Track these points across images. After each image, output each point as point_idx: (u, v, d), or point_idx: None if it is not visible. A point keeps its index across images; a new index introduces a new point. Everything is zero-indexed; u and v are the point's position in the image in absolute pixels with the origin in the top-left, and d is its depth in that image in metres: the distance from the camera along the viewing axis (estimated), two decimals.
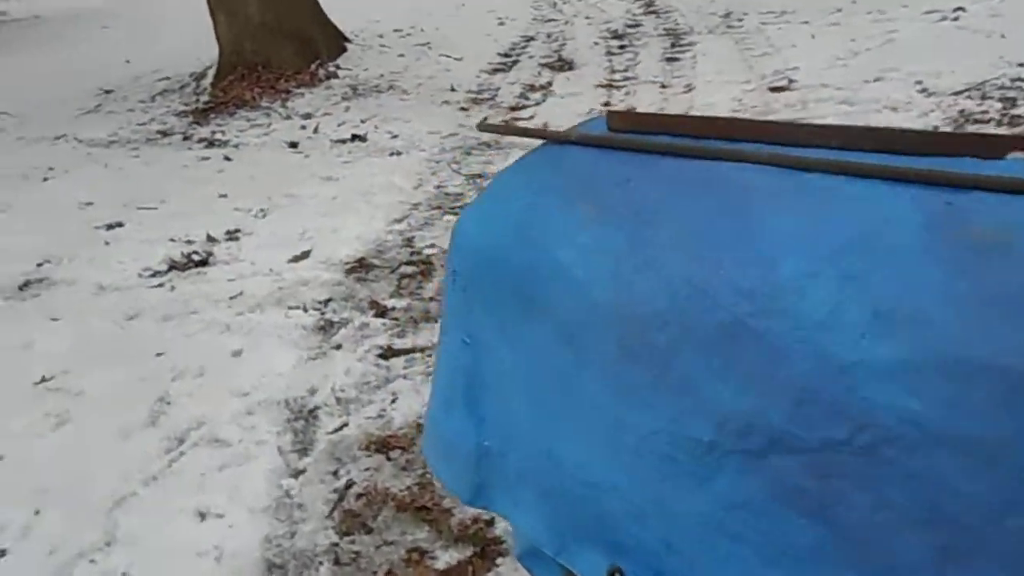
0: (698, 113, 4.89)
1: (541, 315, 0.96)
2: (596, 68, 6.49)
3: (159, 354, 2.93)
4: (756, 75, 5.57)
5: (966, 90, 4.57)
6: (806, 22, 6.68)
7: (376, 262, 3.54)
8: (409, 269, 3.45)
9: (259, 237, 3.88)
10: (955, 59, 5.05)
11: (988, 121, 4.11)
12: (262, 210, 4.19)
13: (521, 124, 5.33)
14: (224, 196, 4.43)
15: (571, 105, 5.60)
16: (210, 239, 3.87)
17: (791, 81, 5.27)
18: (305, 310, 3.16)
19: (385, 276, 3.41)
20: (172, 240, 3.88)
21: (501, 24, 8.60)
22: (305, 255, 3.66)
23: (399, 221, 3.97)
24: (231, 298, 3.30)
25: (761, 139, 1.05)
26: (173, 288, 3.45)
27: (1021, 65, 4.80)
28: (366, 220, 3.97)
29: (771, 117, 4.66)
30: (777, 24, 6.76)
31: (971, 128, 4.06)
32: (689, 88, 5.54)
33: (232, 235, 3.92)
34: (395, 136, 5.34)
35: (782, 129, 1.08)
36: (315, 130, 5.58)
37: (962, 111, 4.28)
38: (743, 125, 1.10)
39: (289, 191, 4.43)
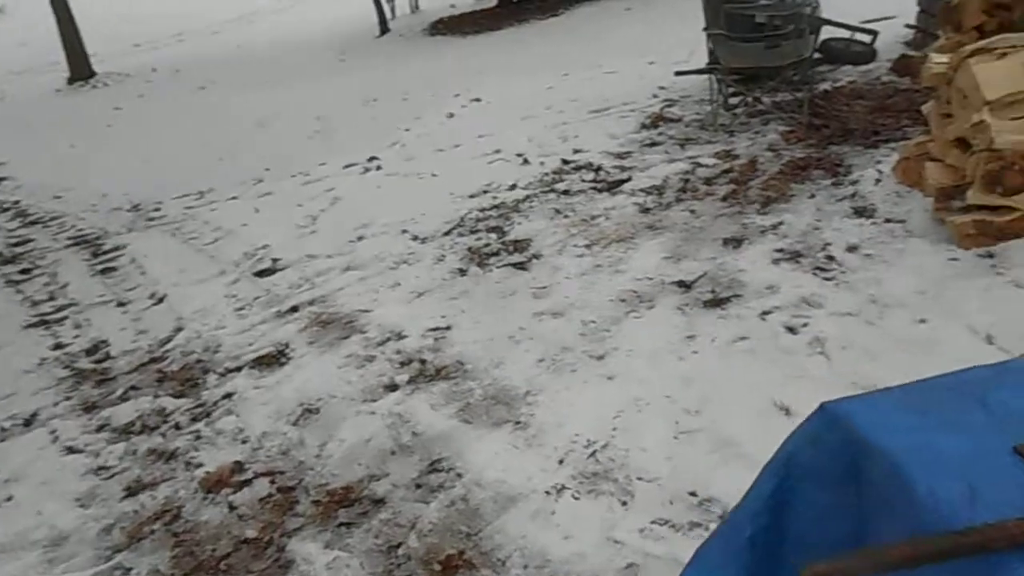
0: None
1: None
2: (8, 305, 4.99)
3: None
4: (227, 264, 4.91)
5: (452, 229, 4.68)
6: (235, 197, 6.22)
7: None
8: None
9: None
10: (415, 204, 5.19)
11: (498, 252, 4.23)
12: None
13: None
14: None
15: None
16: None
17: (274, 260, 4.77)
18: None
19: None
20: None
21: None
22: None
23: None
24: None
25: None
26: None
27: (472, 196, 5.16)
28: None
29: (293, 302, 4.10)
30: (207, 206, 6.15)
31: (492, 261, 4.13)
32: (158, 299, 4.60)
33: None
34: None
35: None
36: None
37: (469, 248, 4.34)
38: None
39: None
